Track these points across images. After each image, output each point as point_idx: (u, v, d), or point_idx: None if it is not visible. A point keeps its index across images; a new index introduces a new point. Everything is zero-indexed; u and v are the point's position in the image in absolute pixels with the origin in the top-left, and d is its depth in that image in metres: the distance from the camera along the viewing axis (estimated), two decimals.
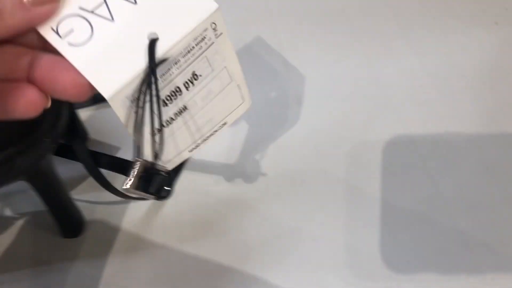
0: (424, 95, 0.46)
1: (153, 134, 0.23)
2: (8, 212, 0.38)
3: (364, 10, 0.53)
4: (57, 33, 0.19)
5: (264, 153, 0.43)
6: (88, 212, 0.38)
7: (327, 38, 0.50)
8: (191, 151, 0.25)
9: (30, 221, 0.38)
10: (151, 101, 0.21)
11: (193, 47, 0.21)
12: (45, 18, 0.19)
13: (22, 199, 0.39)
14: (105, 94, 0.19)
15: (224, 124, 0.25)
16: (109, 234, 0.38)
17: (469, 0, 0.52)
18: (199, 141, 0.25)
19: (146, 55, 0.19)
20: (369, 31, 0.51)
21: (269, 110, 0.45)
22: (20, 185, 0.37)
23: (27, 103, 0.18)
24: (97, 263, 0.36)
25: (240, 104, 0.25)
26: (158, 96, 0.21)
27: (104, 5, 0.20)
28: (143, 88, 0.20)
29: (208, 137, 0.25)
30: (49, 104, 0.19)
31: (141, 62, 0.20)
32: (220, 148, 0.43)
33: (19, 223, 0.38)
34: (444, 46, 0.49)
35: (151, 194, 0.23)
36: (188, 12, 0.21)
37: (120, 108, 0.21)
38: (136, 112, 0.21)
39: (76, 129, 0.33)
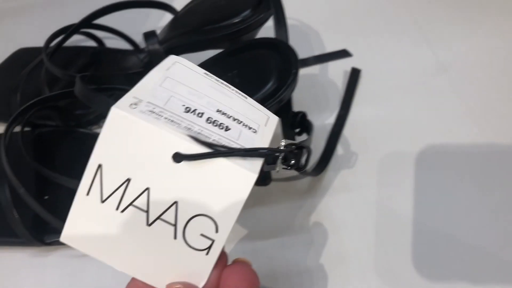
0: None
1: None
2: None
3: None
4: None
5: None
6: None
7: (457, 14, 0.54)
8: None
9: None
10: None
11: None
12: None
13: None
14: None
15: None
16: (289, 184, 0.43)
17: None
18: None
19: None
20: (496, 5, 0.54)
21: (415, 78, 0.50)
22: None
23: None
24: (286, 206, 0.42)
25: None
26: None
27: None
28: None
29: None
30: None
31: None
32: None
33: None
34: None
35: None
36: None
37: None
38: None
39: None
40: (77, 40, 0.54)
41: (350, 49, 0.52)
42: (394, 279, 0.36)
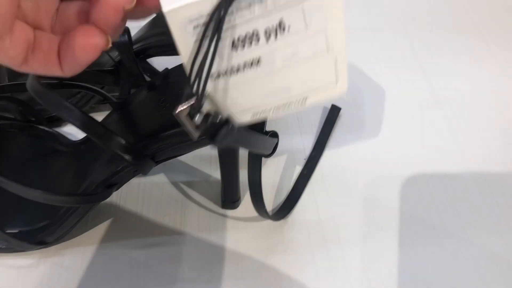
0: None
1: (211, 76, 0.19)
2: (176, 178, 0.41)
3: (494, 22, 0.54)
4: None
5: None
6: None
7: (459, 49, 0.51)
8: (254, 116, 0.20)
9: (191, 191, 0.41)
10: (217, 34, 0.17)
11: None
12: None
13: (182, 168, 0.42)
14: (164, 7, 0.17)
15: (304, 99, 0.20)
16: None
17: None
18: (267, 109, 0.20)
19: None
20: (500, 42, 0.52)
21: (407, 110, 0.46)
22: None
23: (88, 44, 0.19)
24: (253, 231, 0.38)
25: (331, 84, 0.19)
26: (219, 29, 0.17)
27: None
28: (213, 15, 0.17)
29: (280, 108, 0.20)
30: (109, 45, 0.20)
31: None
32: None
33: (186, 191, 0.41)
34: None
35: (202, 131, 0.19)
36: None
37: (178, 30, 0.18)
38: (198, 44, 0.18)
39: None
40: None
41: None
42: None
